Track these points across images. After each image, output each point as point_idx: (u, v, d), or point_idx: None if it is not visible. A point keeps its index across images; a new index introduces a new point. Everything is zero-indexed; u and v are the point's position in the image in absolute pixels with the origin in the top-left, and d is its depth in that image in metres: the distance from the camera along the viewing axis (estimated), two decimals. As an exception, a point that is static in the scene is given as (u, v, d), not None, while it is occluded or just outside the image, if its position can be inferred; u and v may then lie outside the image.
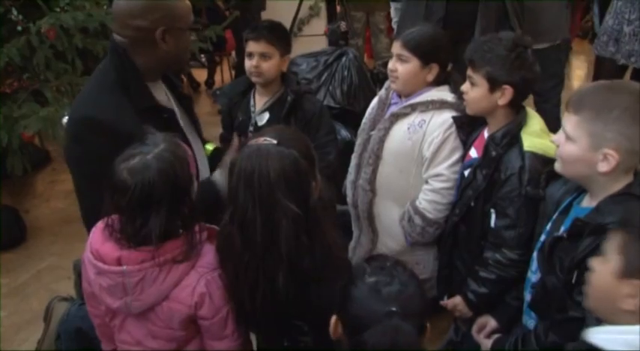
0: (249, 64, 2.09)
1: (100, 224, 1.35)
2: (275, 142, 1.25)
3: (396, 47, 1.86)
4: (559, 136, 1.37)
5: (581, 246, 1.26)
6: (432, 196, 1.81)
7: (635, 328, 1.01)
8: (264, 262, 1.26)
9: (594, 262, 1.11)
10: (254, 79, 2.11)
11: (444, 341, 2.01)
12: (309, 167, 1.28)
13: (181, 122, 1.71)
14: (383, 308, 1.03)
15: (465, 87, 1.68)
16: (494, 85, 1.60)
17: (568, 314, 1.30)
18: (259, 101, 2.16)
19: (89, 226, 1.58)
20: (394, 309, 1.02)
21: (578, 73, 5.32)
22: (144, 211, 1.25)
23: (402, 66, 1.85)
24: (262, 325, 1.39)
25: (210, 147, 1.91)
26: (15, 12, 2.92)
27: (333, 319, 1.13)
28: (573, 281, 1.28)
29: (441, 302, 1.84)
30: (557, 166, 1.41)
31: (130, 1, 1.60)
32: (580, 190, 1.42)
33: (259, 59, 2.05)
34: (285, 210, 1.22)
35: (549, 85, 3.09)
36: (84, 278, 1.40)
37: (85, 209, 1.62)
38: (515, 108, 1.66)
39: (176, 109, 1.73)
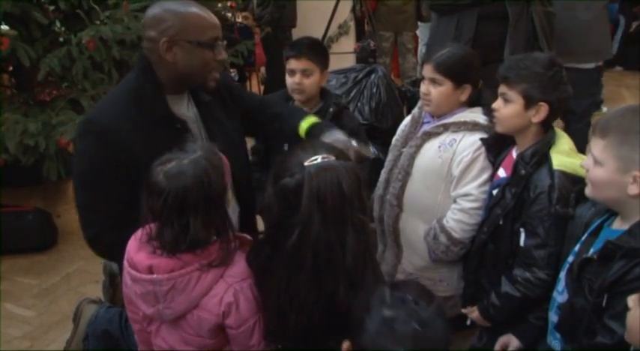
0: (290, 81, 2.11)
1: (137, 232, 1.37)
2: (333, 157, 1.25)
3: (428, 71, 1.87)
4: (588, 161, 1.37)
5: (612, 269, 1.25)
6: (460, 215, 1.82)
7: None
8: (328, 276, 1.25)
9: (630, 301, 1.09)
10: (296, 96, 2.14)
11: (466, 346, 1.98)
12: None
13: (203, 132, 1.69)
14: (393, 348, 0.96)
15: (497, 104, 1.68)
16: (530, 102, 1.61)
17: (596, 339, 1.28)
18: None
19: (81, 222, 1.64)
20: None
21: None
22: (180, 217, 1.26)
23: (435, 89, 1.86)
24: (301, 340, 1.34)
25: (305, 124, 1.77)
26: (58, 24, 3.03)
27: (346, 344, 1.08)
28: (603, 304, 1.27)
29: (462, 310, 1.85)
30: (588, 191, 1.40)
31: (149, 12, 1.58)
32: (610, 212, 1.41)
33: (301, 76, 2.08)
34: (354, 221, 1.22)
35: (586, 104, 3.09)
36: (124, 283, 1.42)
37: (76, 206, 1.65)
38: (545, 127, 1.66)
39: (197, 120, 1.70)
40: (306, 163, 1.24)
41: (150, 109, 1.58)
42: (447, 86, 1.85)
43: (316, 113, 2.14)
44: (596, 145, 1.34)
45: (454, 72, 1.84)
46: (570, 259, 1.48)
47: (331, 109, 2.11)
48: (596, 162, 1.33)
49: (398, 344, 0.96)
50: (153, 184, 1.27)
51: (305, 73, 2.09)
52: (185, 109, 1.69)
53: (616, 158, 1.29)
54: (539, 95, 1.60)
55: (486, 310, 1.72)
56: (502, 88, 1.67)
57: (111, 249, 1.68)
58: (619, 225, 1.36)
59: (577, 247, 1.46)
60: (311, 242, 1.22)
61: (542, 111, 1.61)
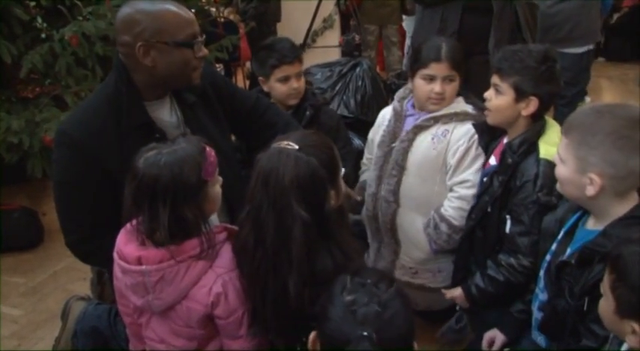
0: (286, 88, 2.09)
1: (127, 226, 1.38)
2: (297, 147, 1.26)
3: (444, 69, 1.84)
4: (556, 157, 1.39)
5: (592, 272, 1.26)
6: (458, 203, 1.84)
7: None
8: (274, 264, 1.27)
9: (602, 289, 1.10)
10: (293, 101, 2.13)
11: (443, 327, 1.99)
12: (328, 176, 1.28)
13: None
14: (355, 331, 0.97)
15: (489, 94, 1.70)
16: (520, 95, 1.62)
17: (582, 343, 1.29)
18: None
19: (61, 228, 1.66)
20: (366, 333, 0.96)
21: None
22: (150, 204, 1.27)
23: (449, 86, 1.86)
24: (275, 326, 1.38)
25: None
26: (40, 20, 3.00)
27: (312, 335, 1.08)
28: (585, 308, 1.27)
29: (442, 290, 1.86)
30: (557, 186, 1.42)
31: (119, 15, 1.51)
32: (584, 210, 1.42)
33: (296, 80, 2.08)
34: (297, 215, 1.23)
35: (575, 90, 3.15)
36: (114, 277, 1.43)
37: (56, 212, 1.66)
38: (535, 120, 1.68)
39: (180, 125, 1.67)
40: (273, 145, 1.29)
41: (128, 117, 1.55)
42: (458, 80, 1.86)
43: (294, 114, 2.13)
44: (561, 143, 1.35)
45: (461, 65, 1.85)
46: (548, 258, 1.49)
47: (308, 113, 2.10)
48: (561, 159, 1.34)
49: (360, 327, 0.97)
50: (133, 168, 1.29)
51: (298, 75, 2.09)
52: (168, 115, 1.65)
53: (575, 158, 1.30)
54: (530, 89, 1.60)
55: (469, 289, 1.74)
56: (495, 79, 1.67)
57: (90, 255, 1.70)
58: (593, 224, 1.36)
59: (554, 247, 1.47)
60: (252, 218, 1.27)
61: (532, 105, 1.62)
